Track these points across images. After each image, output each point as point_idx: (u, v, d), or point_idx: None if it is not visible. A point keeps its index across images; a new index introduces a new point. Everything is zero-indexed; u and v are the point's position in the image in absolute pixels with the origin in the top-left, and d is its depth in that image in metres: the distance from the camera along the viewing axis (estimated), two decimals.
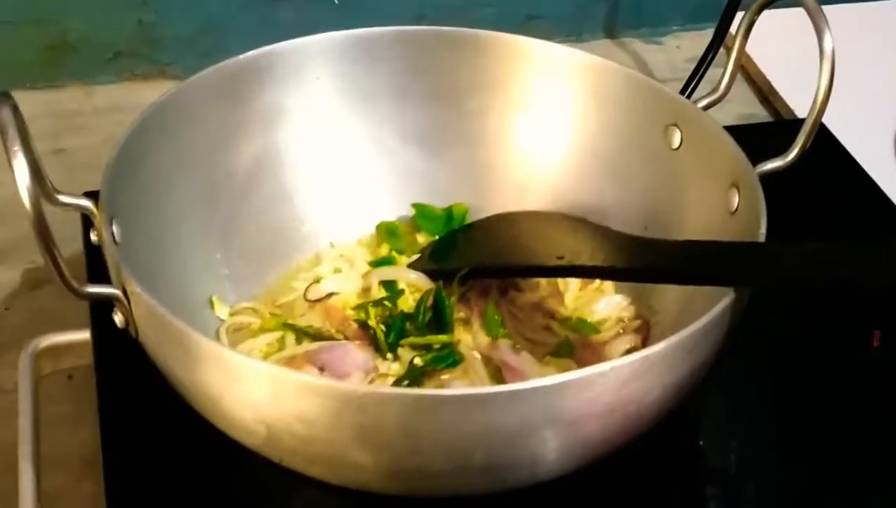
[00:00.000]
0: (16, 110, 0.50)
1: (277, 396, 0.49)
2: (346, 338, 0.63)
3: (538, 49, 0.68)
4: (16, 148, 0.48)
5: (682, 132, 0.64)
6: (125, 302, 0.52)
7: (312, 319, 0.64)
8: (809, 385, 0.66)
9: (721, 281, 0.53)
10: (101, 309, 0.64)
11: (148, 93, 0.93)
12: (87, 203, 0.56)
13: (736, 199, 0.60)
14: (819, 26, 0.58)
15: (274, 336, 0.63)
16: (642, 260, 0.58)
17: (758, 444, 0.63)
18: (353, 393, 0.48)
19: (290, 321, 0.64)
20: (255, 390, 0.49)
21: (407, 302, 0.64)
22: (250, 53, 0.65)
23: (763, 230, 0.55)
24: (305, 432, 0.49)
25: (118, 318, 0.53)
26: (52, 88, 0.93)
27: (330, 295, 0.66)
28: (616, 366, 0.49)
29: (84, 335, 0.66)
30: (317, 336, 0.63)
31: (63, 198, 0.55)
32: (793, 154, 0.60)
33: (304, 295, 0.66)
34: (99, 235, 0.56)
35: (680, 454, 0.62)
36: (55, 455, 0.63)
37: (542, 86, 0.68)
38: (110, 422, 0.60)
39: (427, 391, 0.48)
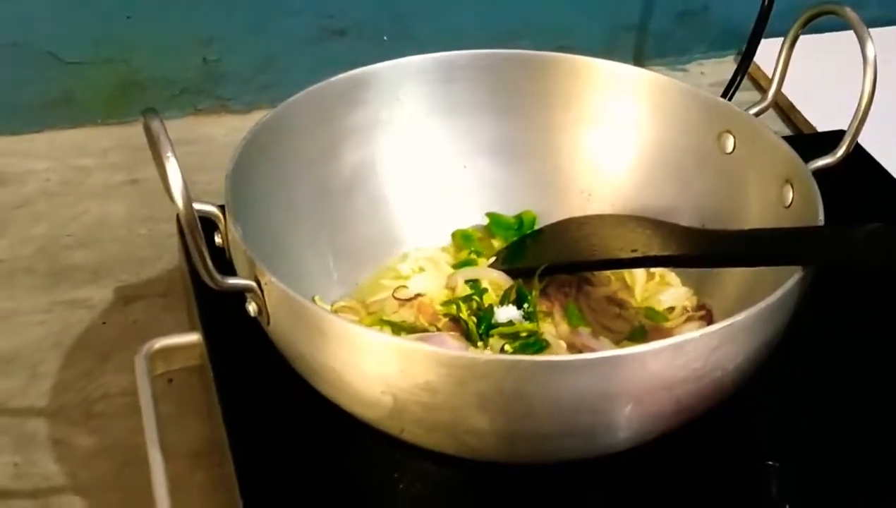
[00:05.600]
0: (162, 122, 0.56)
1: (406, 367, 0.54)
2: (439, 331, 0.68)
3: (600, 68, 0.75)
4: (168, 154, 0.54)
5: (734, 137, 0.71)
6: (259, 292, 0.58)
7: (405, 316, 0.70)
8: (863, 371, 0.70)
9: (786, 260, 0.59)
10: (208, 310, 0.70)
11: (211, 127, 1.01)
12: (214, 208, 0.61)
13: (790, 194, 0.66)
14: (861, 36, 0.64)
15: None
16: (713, 247, 0.64)
17: (812, 426, 0.68)
18: (476, 360, 0.54)
19: (385, 317, 0.70)
20: (385, 363, 0.55)
21: (491, 299, 0.70)
22: (342, 76, 0.72)
23: (821, 217, 0.62)
24: (430, 400, 0.55)
25: (252, 308, 0.59)
26: (123, 124, 0.99)
27: (418, 295, 0.72)
28: (706, 333, 0.55)
29: (190, 338, 0.71)
30: (411, 330, 0.68)
31: (195, 205, 0.60)
32: (841, 151, 0.67)
33: (393, 294, 0.72)
34: (225, 237, 0.62)
35: (740, 433, 0.66)
36: (165, 450, 0.69)
37: (603, 100, 0.75)
38: (232, 412, 0.65)
39: (542, 357, 0.54)
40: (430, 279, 0.72)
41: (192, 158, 0.96)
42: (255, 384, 0.66)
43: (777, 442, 0.66)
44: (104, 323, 0.80)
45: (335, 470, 0.63)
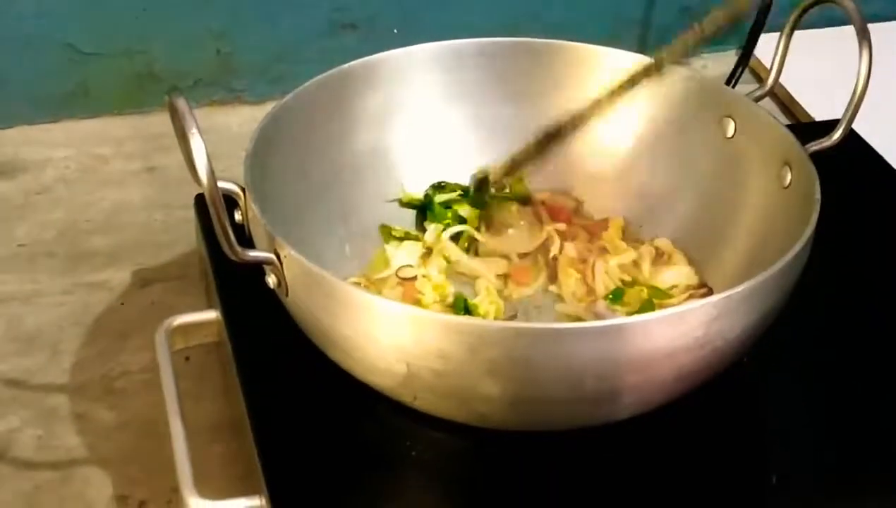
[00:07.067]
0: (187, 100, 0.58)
1: (420, 335, 0.57)
2: None
3: (605, 55, 0.77)
4: (194, 130, 0.56)
5: (735, 122, 0.73)
6: (278, 264, 0.61)
7: (393, 296, 0.72)
8: (864, 344, 0.72)
9: None
10: (226, 287, 0.73)
11: (224, 117, 1.03)
12: (234, 186, 0.64)
13: (789, 176, 0.69)
14: (857, 23, 0.67)
15: None
16: None
17: (813, 398, 0.70)
18: (487, 327, 0.56)
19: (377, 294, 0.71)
20: (399, 331, 0.57)
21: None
22: (356, 63, 0.74)
23: (818, 196, 0.64)
24: (442, 367, 0.57)
25: (271, 280, 0.61)
26: (139, 114, 1.02)
27: (415, 277, 0.74)
28: (707, 303, 0.57)
29: (208, 315, 0.74)
30: None
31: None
32: (837, 134, 0.69)
33: (397, 273, 0.74)
34: (245, 214, 0.64)
35: (741, 406, 0.69)
36: (184, 423, 0.71)
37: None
38: (250, 385, 0.67)
39: (551, 324, 0.56)
40: (432, 262, 0.75)
41: (207, 147, 0.98)
42: (273, 358, 0.69)
43: (777, 414, 0.68)
44: (122, 303, 0.83)
45: (350, 440, 0.65)
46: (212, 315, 0.73)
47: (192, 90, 1.02)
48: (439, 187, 0.78)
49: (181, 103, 0.57)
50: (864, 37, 0.67)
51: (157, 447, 0.69)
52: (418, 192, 0.78)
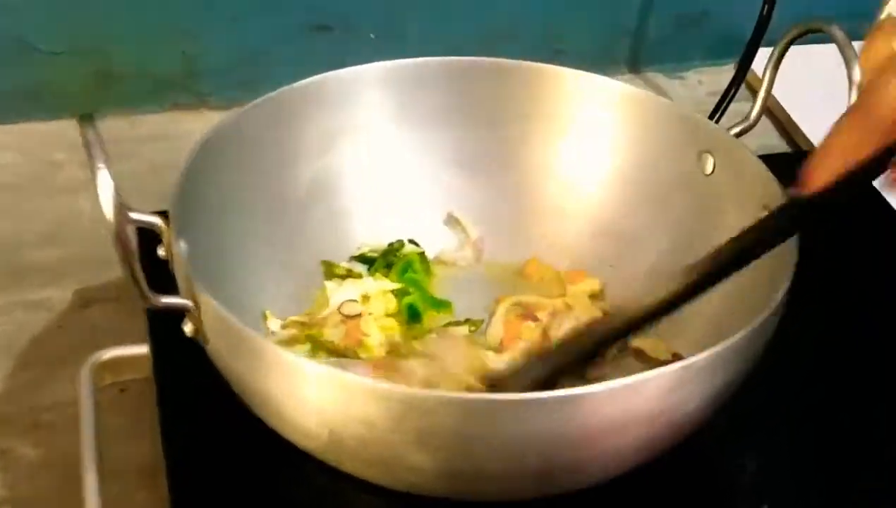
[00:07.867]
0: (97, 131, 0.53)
1: (342, 400, 0.51)
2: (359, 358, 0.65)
3: (577, 79, 0.72)
4: (100, 164, 0.52)
5: (714, 158, 0.68)
6: (196, 312, 0.55)
7: (334, 335, 0.67)
8: (836, 405, 0.69)
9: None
10: (159, 323, 0.68)
11: (189, 123, 0.98)
12: (156, 220, 0.58)
13: None
14: (848, 57, 0.61)
15: (305, 348, 0.66)
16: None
17: (782, 463, 0.66)
18: (414, 396, 0.51)
19: (313, 333, 0.67)
20: (320, 394, 0.52)
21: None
22: (304, 81, 0.69)
23: (796, 243, 0.58)
24: (367, 434, 0.52)
25: (188, 328, 0.56)
26: (98, 117, 0.96)
27: (360, 314, 0.68)
28: (661, 373, 0.52)
29: (141, 349, 0.69)
30: (333, 351, 0.65)
31: (134, 215, 0.57)
32: None
33: (339, 309, 0.68)
34: (168, 250, 0.59)
35: (706, 468, 0.64)
36: (111, 465, 0.65)
37: (580, 114, 0.72)
38: (171, 431, 0.62)
39: (485, 395, 0.51)
40: (377, 299, 0.70)
41: (168, 155, 0.92)
42: (200, 403, 0.64)
43: (751, 473, 0.65)
44: (60, 327, 0.78)
45: (276, 498, 0.60)
46: (143, 349, 0.68)
47: (155, 93, 0.96)
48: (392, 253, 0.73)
49: (90, 133, 0.53)
50: (853, 70, 0.61)
51: (79, 490, 0.64)
52: (375, 245, 0.73)
